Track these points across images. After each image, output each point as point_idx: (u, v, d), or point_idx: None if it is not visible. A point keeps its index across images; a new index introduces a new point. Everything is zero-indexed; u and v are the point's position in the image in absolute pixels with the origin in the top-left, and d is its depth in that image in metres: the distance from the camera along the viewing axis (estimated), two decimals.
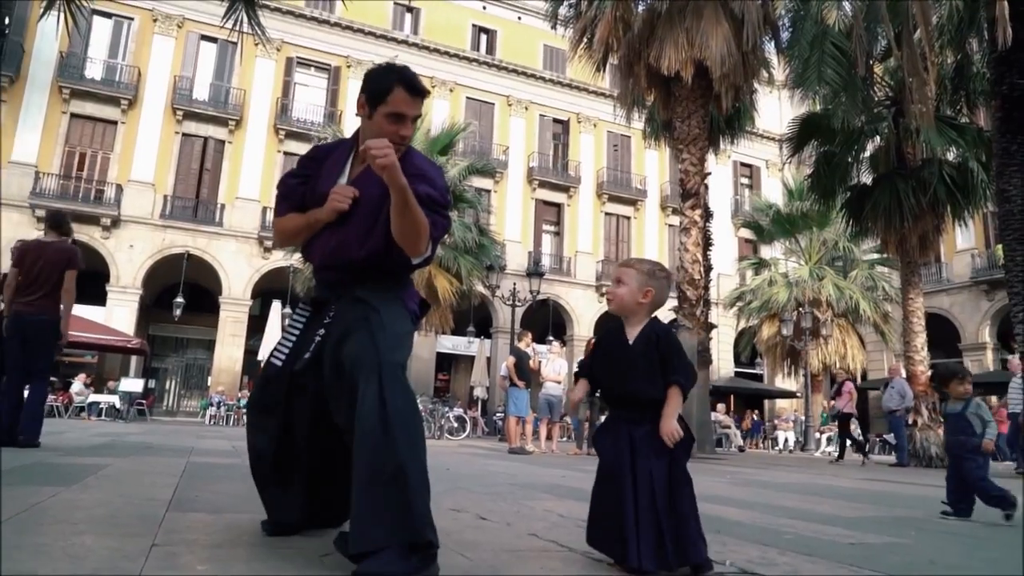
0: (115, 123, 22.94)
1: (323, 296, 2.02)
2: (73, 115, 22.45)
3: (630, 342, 1.96)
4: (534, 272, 17.07)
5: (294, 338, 2.02)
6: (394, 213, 1.79)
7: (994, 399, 22.05)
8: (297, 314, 2.08)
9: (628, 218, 30.14)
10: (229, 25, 9.11)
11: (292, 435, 1.98)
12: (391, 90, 1.91)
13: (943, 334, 24.92)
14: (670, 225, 28.89)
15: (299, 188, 2.06)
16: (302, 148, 24.00)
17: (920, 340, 13.31)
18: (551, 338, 16.21)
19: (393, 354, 1.77)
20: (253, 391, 2.16)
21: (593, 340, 12.71)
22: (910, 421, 12.35)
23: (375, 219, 1.90)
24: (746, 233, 28.70)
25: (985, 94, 12.07)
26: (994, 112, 10.40)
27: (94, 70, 23.02)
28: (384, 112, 1.91)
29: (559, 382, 11.00)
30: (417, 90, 1.94)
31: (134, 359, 21.69)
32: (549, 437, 11.18)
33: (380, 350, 1.75)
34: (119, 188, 22.31)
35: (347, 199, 1.92)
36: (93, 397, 18.56)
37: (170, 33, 23.93)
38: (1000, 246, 11.14)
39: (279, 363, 2.00)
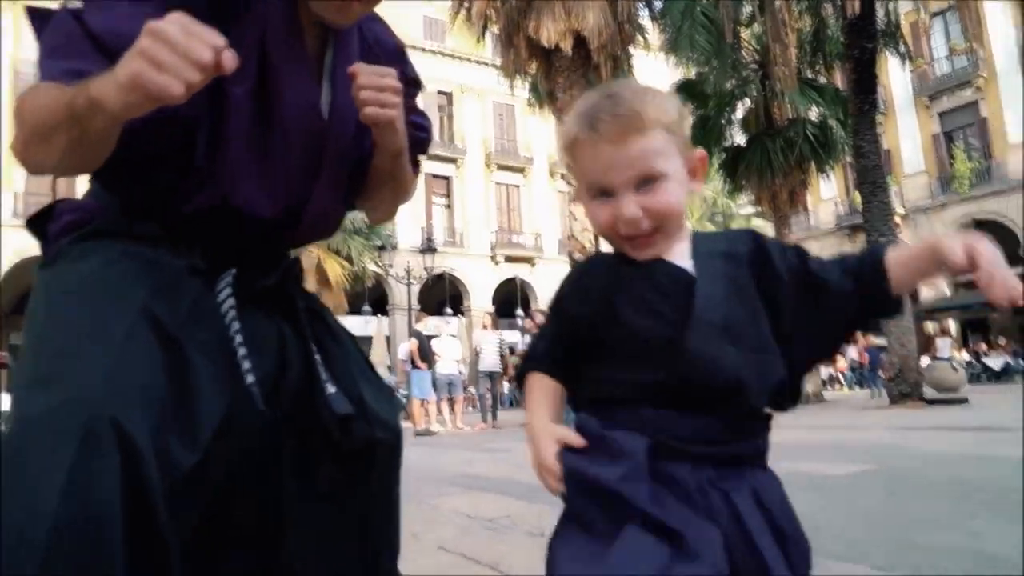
0: None
1: (264, 278, 1.06)
2: None
3: (690, 271, 0.85)
4: (426, 248, 16.91)
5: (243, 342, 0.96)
6: (377, 175, 1.21)
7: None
8: (227, 300, 0.96)
9: (517, 186, 30.31)
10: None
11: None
12: None
13: None
14: (560, 192, 29.33)
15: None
16: None
17: None
18: (448, 310, 16.16)
19: None
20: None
21: (539, 311, 12.77)
22: None
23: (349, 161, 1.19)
24: None
25: (840, 57, 12.92)
26: (848, 74, 11.19)
27: None
28: None
29: (457, 360, 11.15)
30: None
31: None
32: (452, 411, 11.26)
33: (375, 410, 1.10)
34: None
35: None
36: None
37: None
38: (858, 194, 12.15)
39: (256, 389, 0.91)
